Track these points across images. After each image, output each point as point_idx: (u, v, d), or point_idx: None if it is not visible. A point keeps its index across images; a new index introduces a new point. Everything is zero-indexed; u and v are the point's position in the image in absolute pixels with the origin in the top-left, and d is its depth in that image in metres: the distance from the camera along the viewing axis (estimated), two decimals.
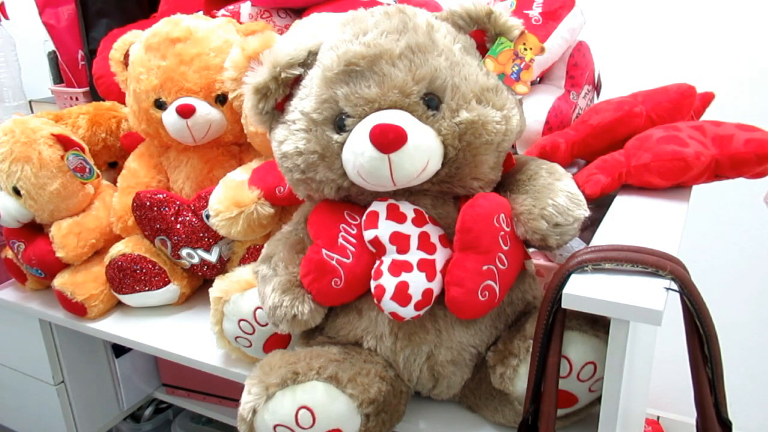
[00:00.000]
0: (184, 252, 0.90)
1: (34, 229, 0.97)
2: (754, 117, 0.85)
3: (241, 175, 0.85)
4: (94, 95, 1.25)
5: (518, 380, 0.61)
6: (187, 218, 0.89)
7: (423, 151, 0.56)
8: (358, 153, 0.56)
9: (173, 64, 0.87)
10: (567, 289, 0.53)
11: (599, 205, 0.68)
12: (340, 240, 0.62)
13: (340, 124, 0.59)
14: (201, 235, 0.89)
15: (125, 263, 0.90)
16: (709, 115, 0.84)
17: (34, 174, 0.89)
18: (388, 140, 0.54)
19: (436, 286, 0.60)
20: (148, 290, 0.91)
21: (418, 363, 0.64)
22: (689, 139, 0.71)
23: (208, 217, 0.85)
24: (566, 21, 0.88)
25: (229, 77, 0.83)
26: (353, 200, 0.65)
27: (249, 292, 0.73)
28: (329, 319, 0.68)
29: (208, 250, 0.90)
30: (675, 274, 0.53)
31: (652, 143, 0.72)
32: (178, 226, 0.89)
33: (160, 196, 0.89)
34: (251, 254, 0.89)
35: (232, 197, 0.81)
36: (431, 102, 0.58)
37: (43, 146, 0.90)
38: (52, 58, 1.36)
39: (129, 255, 0.90)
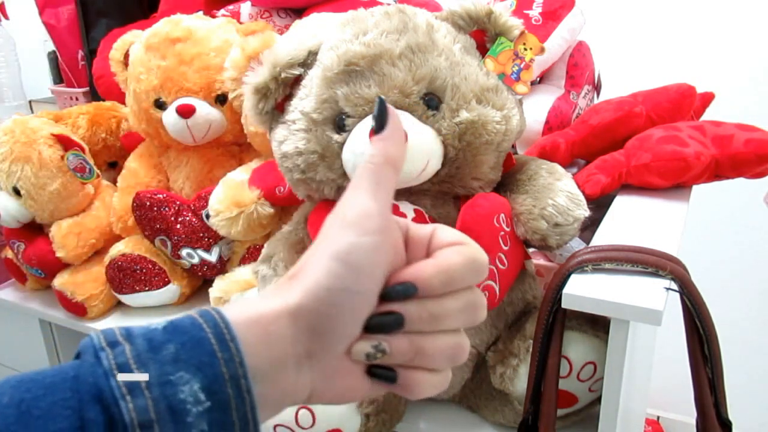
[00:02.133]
0: (184, 252, 0.90)
1: (34, 229, 0.97)
2: (754, 117, 0.85)
3: (241, 175, 0.85)
4: (94, 95, 1.25)
5: (518, 380, 0.61)
6: (187, 218, 0.89)
7: (423, 151, 0.56)
8: (358, 153, 0.56)
9: (173, 64, 0.87)
10: (567, 289, 0.53)
11: (599, 205, 0.68)
12: None
13: (340, 124, 0.59)
14: (201, 235, 0.89)
15: (125, 263, 0.89)
16: (709, 115, 0.84)
17: (34, 174, 0.89)
18: None
19: None
20: (148, 290, 0.91)
21: None
22: (689, 139, 0.71)
23: (208, 217, 0.85)
24: (566, 21, 0.88)
25: (229, 77, 0.83)
26: None
27: (249, 292, 0.73)
28: None
29: (208, 250, 0.90)
30: (675, 274, 0.53)
31: (652, 143, 0.72)
32: (178, 226, 0.89)
33: (160, 196, 0.89)
34: (251, 254, 0.89)
35: (232, 197, 0.81)
36: (431, 102, 0.58)
37: (43, 146, 0.90)
38: (52, 58, 1.36)
39: (129, 255, 0.90)
